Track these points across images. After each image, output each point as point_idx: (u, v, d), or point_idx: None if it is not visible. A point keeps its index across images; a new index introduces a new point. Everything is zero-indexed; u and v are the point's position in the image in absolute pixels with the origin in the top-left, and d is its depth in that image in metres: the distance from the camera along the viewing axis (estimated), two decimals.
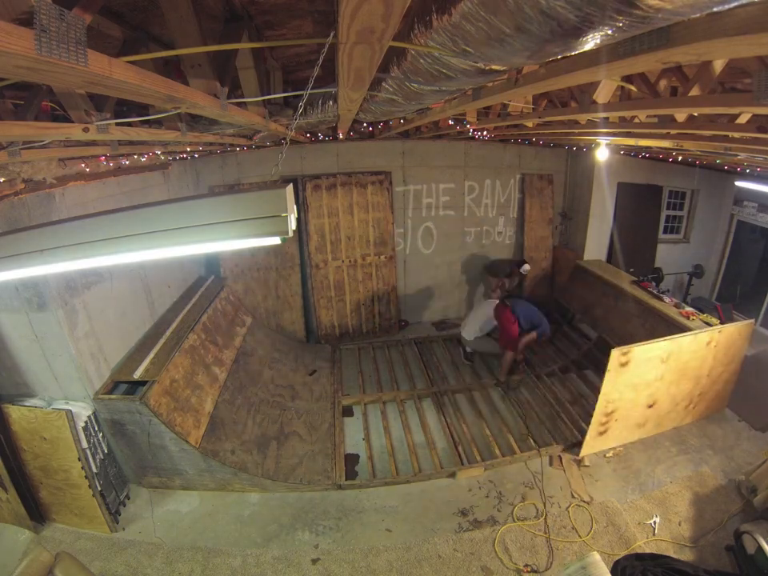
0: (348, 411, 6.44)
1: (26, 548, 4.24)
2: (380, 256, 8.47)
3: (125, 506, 4.78)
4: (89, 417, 4.41)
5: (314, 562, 4.23)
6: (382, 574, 4.11)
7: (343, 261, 8.31)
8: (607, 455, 5.37)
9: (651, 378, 5.15)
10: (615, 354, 4.84)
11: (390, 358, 7.84)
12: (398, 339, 8.53)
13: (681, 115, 2.90)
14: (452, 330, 8.80)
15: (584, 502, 4.74)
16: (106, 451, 4.61)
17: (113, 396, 4.55)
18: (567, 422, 5.82)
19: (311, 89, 1.92)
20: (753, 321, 5.70)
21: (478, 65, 1.42)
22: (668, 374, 5.22)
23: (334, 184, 7.96)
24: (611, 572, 3.55)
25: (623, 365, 4.92)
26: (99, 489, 4.40)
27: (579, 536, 4.38)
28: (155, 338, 5.54)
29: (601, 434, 5.31)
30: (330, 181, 7.93)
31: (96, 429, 4.49)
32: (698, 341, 5.26)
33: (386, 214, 8.32)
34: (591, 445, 5.33)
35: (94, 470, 4.40)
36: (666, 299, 6.58)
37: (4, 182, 3.28)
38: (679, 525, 4.46)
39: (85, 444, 4.31)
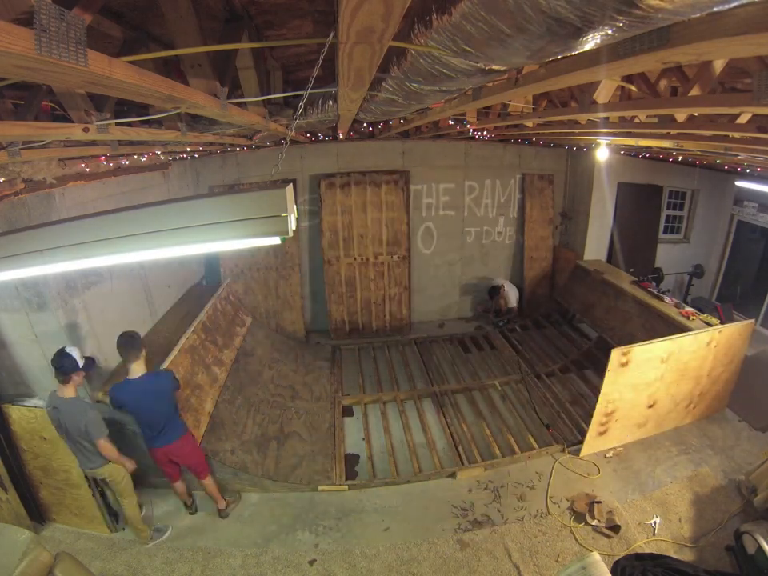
0: (348, 411, 6.44)
1: (25, 548, 4.23)
2: (392, 255, 8.55)
3: None
4: None
5: (314, 562, 4.23)
6: (382, 574, 4.10)
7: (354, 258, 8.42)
8: (607, 455, 5.37)
9: (651, 378, 5.15)
10: (615, 355, 4.84)
11: (390, 357, 7.83)
12: (397, 339, 8.53)
13: (681, 115, 2.90)
14: (452, 330, 8.85)
15: (614, 531, 4.44)
16: None
17: None
18: (567, 422, 5.83)
19: (311, 89, 1.92)
20: (753, 321, 5.70)
21: (478, 65, 1.42)
22: (668, 374, 5.22)
23: (347, 183, 8.10)
24: (611, 572, 3.55)
25: (623, 365, 4.92)
26: (99, 489, 4.39)
27: (579, 536, 4.38)
28: (155, 338, 5.54)
29: (601, 434, 5.31)
30: (344, 180, 8.09)
31: None
32: (698, 341, 5.25)
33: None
34: (591, 445, 5.33)
35: None
36: (666, 299, 6.58)
37: (4, 181, 3.28)
38: (679, 524, 4.45)
39: None
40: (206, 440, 4.83)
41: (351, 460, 5.47)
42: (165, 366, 4.92)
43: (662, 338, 5.12)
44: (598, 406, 5.07)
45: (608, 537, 4.33)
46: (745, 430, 5.69)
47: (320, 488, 4.99)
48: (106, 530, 4.48)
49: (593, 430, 5.23)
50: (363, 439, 5.81)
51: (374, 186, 8.17)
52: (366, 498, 4.95)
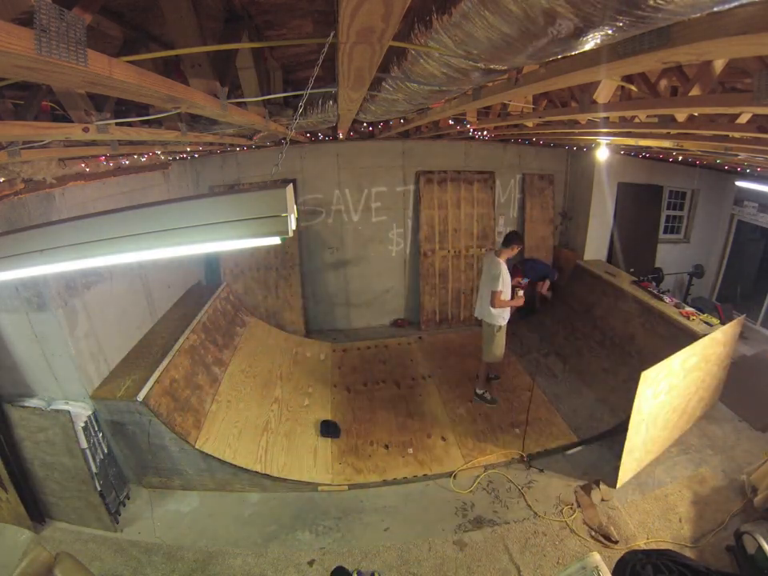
0: None
1: (25, 548, 4.24)
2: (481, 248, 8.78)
3: (125, 506, 4.78)
4: (89, 417, 4.40)
5: (314, 562, 4.23)
6: (382, 574, 4.10)
7: None
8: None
9: (675, 391, 5.00)
10: (644, 386, 4.49)
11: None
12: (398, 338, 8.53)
13: (681, 115, 2.90)
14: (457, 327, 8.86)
15: (611, 542, 4.32)
16: (105, 451, 4.61)
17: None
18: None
19: (311, 89, 1.92)
20: (743, 316, 5.82)
21: (478, 65, 1.42)
22: (685, 381, 5.10)
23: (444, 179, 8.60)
24: (617, 567, 3.54)
25: (651, 386, 4.63)
26: (99, 489, 4.40)
27: (579, 536, 4.38)
28: (155, 338, 5.55)
29: (632, 461, 5.03)
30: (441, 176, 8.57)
31: (96, 429, 4.49)
32: (709, 343, 5.25)
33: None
34: (625, 474, 5.00)
35: (94, 470, 4.40)
36: (667, 299, 6.58)
37: (4, 181, 3.28)
38: (680, 525, 4.45)
39: (85, 444, 4.31)
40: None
41: None
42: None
43: (684, 349, 4.85)
44: (629, 436, 4.68)
45: (605, 546, 4.31)
46: (745, 430, 5.68)
47: (320, 488, 4.99)
48: (106, 530, 4.49)
49: (626, 462, 4.87)
50: None
51: (467, 183, 8.56)
52: (366, 497, 4.95)
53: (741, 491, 4.70)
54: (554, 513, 4.66)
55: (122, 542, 4.43)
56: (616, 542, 4.30)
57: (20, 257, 1.70)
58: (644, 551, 3.76)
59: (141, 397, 4.42)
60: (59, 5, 0.88)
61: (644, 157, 7.92)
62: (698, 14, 0.88)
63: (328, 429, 5.75)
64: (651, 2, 0.79)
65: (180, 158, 6.80)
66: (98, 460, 4.48)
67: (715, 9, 0.84)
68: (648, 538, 4.32)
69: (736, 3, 0.79)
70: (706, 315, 6.00)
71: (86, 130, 2.16)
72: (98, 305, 4.69)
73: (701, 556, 4.12)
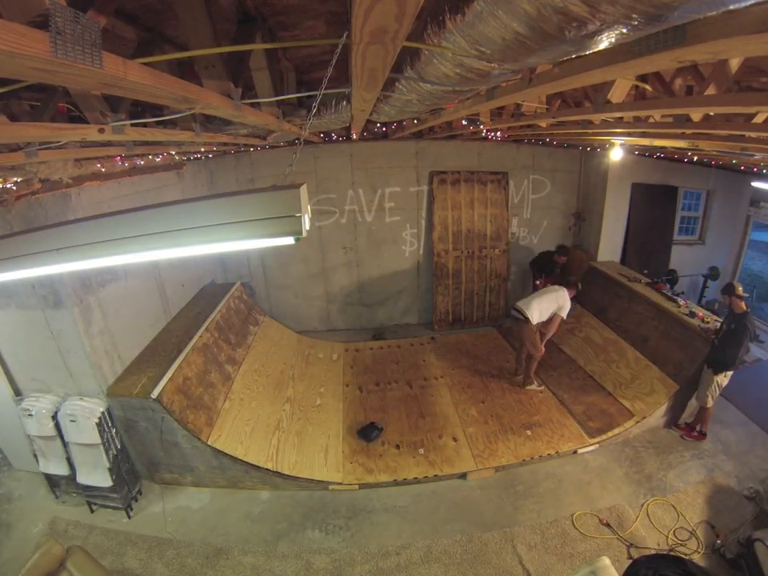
0: None
1: (38, 541, 4.30)
2: (494, 249, 8.47)
3: (137, 500, 4.84)
4: (102, 413, 4.46)
5: (324, 560, 4.24)
6: (391, 573, 4.10)
7: None
8: None
9: None
10: None
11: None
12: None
13: (696, 115, 2.86)
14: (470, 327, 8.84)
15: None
16: (119, 447, 4.66)
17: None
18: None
19: (325, 89, 1.92)
20: None
21: (492, 65, 1.41)
22: None
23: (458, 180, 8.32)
24: (627, 574, 3.50)
25: None
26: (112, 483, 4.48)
27: (590, 540, 4.34)
28: (169, 336, 5.61)
29: None
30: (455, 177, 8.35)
31: (109, 425, 4.54)
32: None
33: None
34: None
35: (107, 465, 4.46)
36: (681, 301, 6.50)
37: (21, 181, 3.33)
38: (691, 531, 4.40)
39: (98, 440, 4.37)
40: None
41: None
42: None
43: None
44: None
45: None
46: (759, 436, 5.60)
47: (331, 487, 5.01)
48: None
49: None
50: None
51: (481, 183, 8.55)
52: (377, 497, 4.95)
53: (755, 498, 4.64)
54: (566, 515, 4.61)
55: (133, 536, 4.48)
56: None
57: (37, 255, 1.73)
58: (655, 558, 3.72)
59: (154, 394, 4.47)
60: (74, 8, 0.89)
61: (658, 157, 7.84)
62: (714, 12, 0.87)
63: (366, 433, 5.77)
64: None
65: (194, 158, 6.86)
66: (111, 455, 4.53)
67: (731, 6, 0.82)
68: (659, 544, 4.28)
69: (752, 1, 0.78)
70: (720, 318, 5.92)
71: (101, 130, 2.18)
72: (112, 303, 4.74)
73: (712, 563, 4.07)
